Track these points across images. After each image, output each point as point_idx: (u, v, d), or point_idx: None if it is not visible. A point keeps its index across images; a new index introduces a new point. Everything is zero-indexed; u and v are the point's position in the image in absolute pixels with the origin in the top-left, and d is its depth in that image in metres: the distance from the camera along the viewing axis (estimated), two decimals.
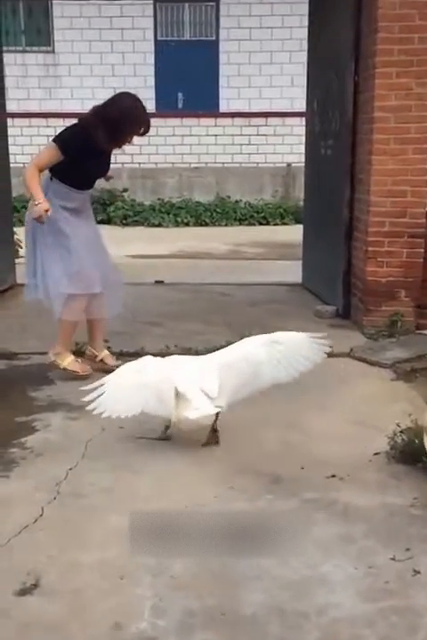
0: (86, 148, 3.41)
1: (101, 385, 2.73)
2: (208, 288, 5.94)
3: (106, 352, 3.84)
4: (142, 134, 3.49)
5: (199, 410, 2.73)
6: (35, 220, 3.38)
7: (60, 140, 3.44)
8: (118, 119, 3.37)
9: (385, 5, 4.11)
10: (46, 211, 3.30)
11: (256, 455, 2.80)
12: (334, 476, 2.63)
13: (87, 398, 2.71)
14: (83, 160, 3.43)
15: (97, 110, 3.44)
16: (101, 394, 2.70)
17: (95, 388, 2.73)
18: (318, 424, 3.16)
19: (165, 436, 2.89)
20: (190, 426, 2.76)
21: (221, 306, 5.31)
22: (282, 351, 2.85)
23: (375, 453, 2.79)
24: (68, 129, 3.53)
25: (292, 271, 6.96)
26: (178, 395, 2.75)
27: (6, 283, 5.77)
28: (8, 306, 5.36)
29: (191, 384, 2.79)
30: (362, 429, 3.09)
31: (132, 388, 2.74)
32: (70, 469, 2.64)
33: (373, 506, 2.41)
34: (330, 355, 4.10)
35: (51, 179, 3.51)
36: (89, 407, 2.70)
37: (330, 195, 5.05)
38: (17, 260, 6.08)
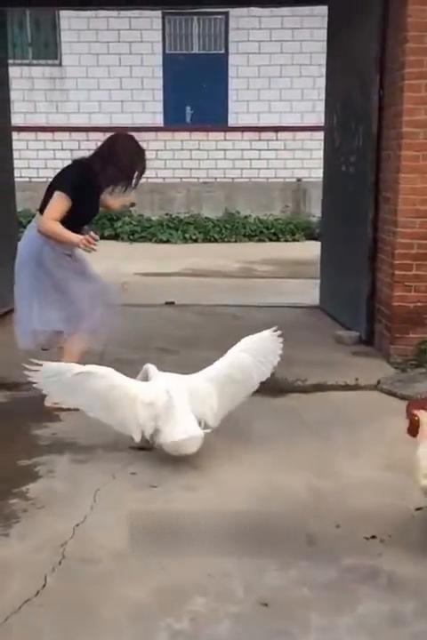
0: (86, 190, 3.39)
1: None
2: (221, 310, 5.67)
3: None
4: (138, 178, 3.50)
5: (187, 432, 2.71)
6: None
7: (67, 186, 3.34)
8: (129, 161, 3.37)
9: (415, 14, 3.85)
10: (88, 238, 3.23)
11: (284, 507, 2.51)
12: (374, 536, 2.33)
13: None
14: (82, 202, 3.37)
15: (101, 153, 3.41)
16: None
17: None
18: (350, 469, 2.86)
19: (147, 445, 2.86)
20: (176, 448, 2.74)
21: (235, 331, 4.98)
22: (258, 350, 3.04)
23: (417, 508, 2.50)
24: (69, 171, 3.47)
25: (307, 291, 6.70)
26: (165, 414, 2.75)
27: (9, 305, 5.44)
28: (10, 330, 5.09)
29: (180, 405, 2.78)
30: (398, 477, 2.77)
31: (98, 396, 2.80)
32: (77, 526, 2.36)
33: (422, 577, 2.11)
34: (355, 387, 3.89)
35: None
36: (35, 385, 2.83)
37: (351, 213, 4.78)
38: None
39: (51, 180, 3.52)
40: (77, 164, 3.48)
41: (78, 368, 2.79)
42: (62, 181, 3.39)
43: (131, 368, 3.92)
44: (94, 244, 3.24)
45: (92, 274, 3.66)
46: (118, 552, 2.21)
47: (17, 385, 3.72)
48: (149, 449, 2.91)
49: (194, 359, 4.20)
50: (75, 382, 2.78)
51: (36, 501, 2.53)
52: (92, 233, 3.25)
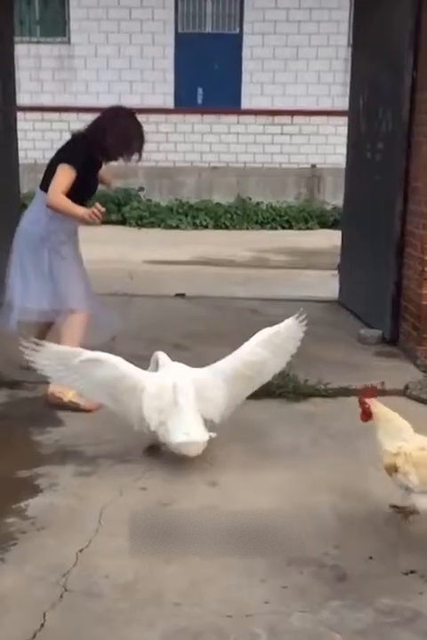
0: (89, 164, 3.36)
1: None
2: (235, 303, 5.39)
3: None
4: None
5: (189, 436, 2.55)
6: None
7: (73, 159, 3.27)
8: (132, 134, 3.38)
9: None
10: (93, 211, 3.13)
11: (311, 535, 2.25)
12: (413, 571, 2.08)
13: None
14: (85, 177, 3.31)
15: (100, 126, 3.38)
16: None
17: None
18: (380, 489, 2.58)
19: (153, 449, 2.73)
20: (177, 449, 2.59)
21: (251, 326, 4.65)
22: (279, 343, 2.85)
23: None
24: (73, 145, 3.42)
25: (324, 284, 6.41)
26: (170, 410, 2.62)
27: None
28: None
29: (186, 402, 2.62)
30: None
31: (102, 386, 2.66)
32: (81, 551, 2.11)
33: None
34: (382, 392, 3.61)
35: None
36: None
37: (377, 204, 4.48)
38: None
39: (51, 158, 3.45)
40: (80, 139, 3.42)
41: (87, 354, 2.62)
42: (68, 154, 3.32)
43: (142, 365, 3.69)
44: (99, 216, 3.15)
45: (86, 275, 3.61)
46: (125, 585, 1.97)
47: (17, 383, 3.47)
48: (157, 449, 2.73)
49: (208, 357, 3.91)
50: (81, 368, 2.61)
51: (35, 521, 2.28)
52: (98, 204, 3.16)
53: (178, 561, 2.08)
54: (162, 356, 2.90)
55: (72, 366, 2.61)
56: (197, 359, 3.79)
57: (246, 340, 4.37)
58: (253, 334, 4.60)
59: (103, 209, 3.18)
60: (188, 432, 2.56)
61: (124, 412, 2.66)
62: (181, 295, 5.58)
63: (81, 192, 3.31)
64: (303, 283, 6.59)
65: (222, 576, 2.02)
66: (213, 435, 2.64)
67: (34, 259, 3.36)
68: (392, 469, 2.22)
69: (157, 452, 2.73)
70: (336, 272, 6.94)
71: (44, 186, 3.34)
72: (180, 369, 2.84)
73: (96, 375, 2.61)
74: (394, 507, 2.32)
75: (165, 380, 2.71)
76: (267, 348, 2.79)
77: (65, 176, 3.23)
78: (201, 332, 4.48)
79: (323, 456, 2.81)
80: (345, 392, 3.49)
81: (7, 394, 3.40)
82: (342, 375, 3.74)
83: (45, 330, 3.55)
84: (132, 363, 3.74)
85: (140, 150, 3.45)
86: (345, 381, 3.62)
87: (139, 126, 3.45)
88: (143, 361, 3.71)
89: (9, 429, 3.02)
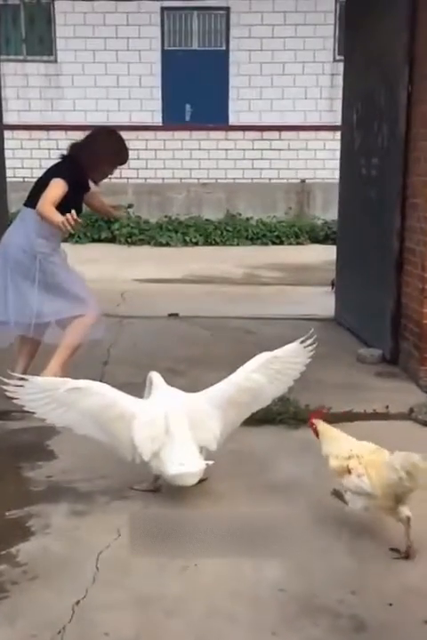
0: (78, 184, 3.47)
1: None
2: (229, 323, 5.27)
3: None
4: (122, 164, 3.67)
5: (184, 466, 2.42)
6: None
7: (64, 174, 3.39)
8: (99, 158, 3.52)
9: None
10: (68, 217, 3.19)
11: (324, 579, 2.11)
12: None
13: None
14: (72, 196, 3.39)
15: (80, 145, 3.56)
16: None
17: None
18: (392, 523, 2.45)
19: (153, 486, 2.57)
20: (172, 481, 2.46)
21: (247, 347, 4.61)
22: (278, 368, 2.70)
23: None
24: (64, 164, 3.53)
25: (318, 301, 6.32)
26: (163, 439, 2.49)
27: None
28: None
29: (180, 431, 2.49)
30: None
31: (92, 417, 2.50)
32: (77, 604, 1.96)
33: None
34: (386, 416, 3.50)
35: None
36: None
37: (373, 220, 4.39)
38: None
39: (39, 177, 3.56)
40: (70, 159, 3.55)
41: (72, 383, 2.49)
42: (60, 171, 3.44)
43: (136, 392, 3.56)
44: (72, 223, 3.18)
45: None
46: None
47: (5, 413, 3.30)
48: (154, 491, 2.58)
49: (205, 382, 3.75)
50: (66, 399, 2.48)
51: (28, 569, 2.12)
52: (73, 212, 3.20)
53: (181, 615, 1.93)
54: (155, 378, 2.78)
55: (57, 397, 2.48)
56: (194, 385, 3.62)
57: (243, 362, 4.28)
58: (251, 356, 4.46)
59: (79, 220, 3.24)
60: (183, 462, 2.43)
61: (115, 444, 2.53)
62: (175, 315, 5.45)
63: (68, 210, 3.31)
64: (297, 300, 6.49)
65: (230, 630, 1.87)
66: (210, 462, 2.51)
67: (22, 273, 3.42)
68: (344, 471, 2.29)
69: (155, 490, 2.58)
70: (330, 288, 6.87)
71: (31, 203, 3.43)
72: (172, 393, 2.72)
73: (83, 405, 2.48)
74: (335, 493, 2.40)
75: (157, 408, 2.58)
76: (264, 374, 2.65)
77: (57, 189, 3.33)
78: (196, 355, 4.35)
79: (328, 488, 2.67)
80: (348, 417, 3.36)
81: None
82: (344, 398, 3.62)
83: (34, 348, 3.61)
84: (125, 390, 3.62)
85: (114, 166, 3.61)
86: (347, 405, 3.50)
87: (115, 143, 3.59)
88: (137, 388, 3.57)
89: None
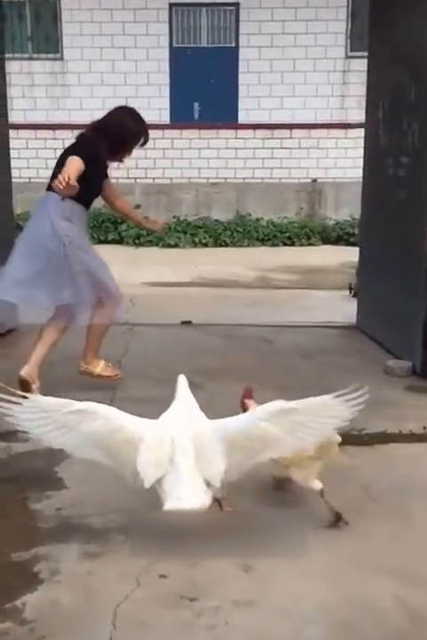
0: (95, 163, 3.40)
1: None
2: (246, 331, 5.01)
3: (102, 363, 3.71)
4: (143, 144, 3.63)
5: (181, 501, 2.18)
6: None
7: (79, 151, 3.34)
8: (120, 133, 3.47)
9: None
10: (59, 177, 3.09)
11: (372, 636, 1.84)
12: None
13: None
14: (92, 175, 3.37)
15: (96, 126, 3.52)
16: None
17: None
18: None
19: None
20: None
21: (266, 358, 4.37)
22: (299, 420, 2.25)
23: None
24: (78, 143, 3.49)
25: (337, 306, 6.06)
26: (166, 465, 2.26)
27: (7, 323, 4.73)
28: (8, 354, 4.44)
29: (185, 459, 2.26)
30: None
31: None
32: None
33: None
34: (423, 437, 3.23)
35: (62, 199, 3.32)
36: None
37: (402, 223, 4.12)
38: None
39: (58, 160, 3.47)
40: (85, 137, 3.50)
41: (76, 405, 2.26)
42: (76, 149, 3.39)
43: (150, 408, 3.32)
44: (63, 183, 3.03)
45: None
46: None
47: (12, 434, 3.03)
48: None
49: (224, 396, 3.54)
50: (69, 421, 2.25)
51: (35, 626, 1.87)
52: (68, 176, 3.07)
53: None
54: (180, 384, 2.54)
55: (58, 419, 2.25)
56: (213, 399, 3.41)
57: (264, 374, 4.03)
58: (270, 367, 4.20)
59: (72, 182, 3.05)
60: (181, 497, 2.19)
61: (117, 466, 2.30)
62: (188, 323, 5.19)
63: (87, 191, 3.34)
64: (313, 305, 6.22)
65: None
66: (220, 495, 2.27)
67: (47, 257, 3.41)
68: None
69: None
70: (348, 293, 6.60)
71: (51, 187, 3.34)
72: (185, 413, 2.45)
73: (87, 428, 2.25)
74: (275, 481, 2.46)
75: (164, 430, 2.34)
76: (278, 425, 2.22)
77: (73, 165, 3.25)
78: (213, 366, 4.08)
79: (371, 525, 2.41)
80: (383, 438, 3.10)
81: (2, 447, 2.99)
82: (375, 416, 3.32)
83: (59, 332, 3.59)
84: (137, 405, 3.39)
85: (138, 138, 3.53)
86: (380, 424, 3.23)
87: (133, 115, 3.56)
88: (150, 403, 3.33)
89: (1, 495, 2.61)
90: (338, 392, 2.25)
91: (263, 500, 2.55)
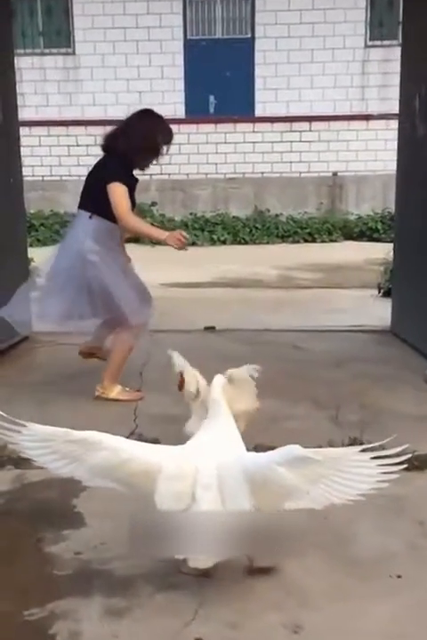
0: (128, 179, 3.36)
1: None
2: (272, 337, 4.71)
3: (118, 389, 3.55)
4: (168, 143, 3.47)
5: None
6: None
7: (116, 175, 3.29)
8: (147, 145, 3.38)
9: None
10: (178, 236, 3.28)
11: None
12: None
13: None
14: (129, 192, 3.34)
15: (121, 134, 3.39)
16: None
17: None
18: None
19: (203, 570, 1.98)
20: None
21: (296, 367, 4.06)
22: (323, 472, 1.91)
23: None
24: (108, 160, 3.41)
25: (366, 307, 5.75)
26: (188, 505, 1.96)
27: (18, 333, 4.37)
28: (21, 366, 4.20)
29: (208, 497, 1.96)
30: None
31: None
32: None
33: None
34: None
35: (90, 217, 3.35)
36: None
37: None
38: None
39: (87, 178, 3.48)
40: (112, 154, 3.40)
41: (74, 435, 1.99)
42: (111, 172, 3.32)
43: (173, 426, 3.04)
44: (183, 242, 3.26)
45: (132, 268, 3.64)
46: None
47: (25, 460, 2.78)
48: (206, 575, 2.00)
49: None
50: (70, 452, 2.00)
51: None
52: (182, 231, 3.33)
53: None
54: (215, 389, 2.27)
55: (59, 450, 2.01)
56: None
57: (295, 386, 3.73)
58: (302, 378, 3.87)
59: (187, 236, 3.31)
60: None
61: (133, 496, 2.04)
62: (211, 328, 4.90)
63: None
64: (341, 306, 5.90)
65: None
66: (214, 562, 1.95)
67: (70, 276, 3.40)
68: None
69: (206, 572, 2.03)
70: (377, 292, 6.28)
71: (83, 206, 3.41)
72: (215, 436, 2.16)
73: (92, 461, 1.99)
74: None
75: (187, 460, 2.04)
76: (298, 474, 1.89)
77: (121, 194, 3.26)
78: None
79: (399, 592, 2.05)
80: None
81: (12, 476, 2.72)
82: (422, 435, 3.03)
83: (97, 346, 3.67)
84: (160, 425, 3.13)
85: (159, 146, 3.41)
86: None
87: (153, 119, 3.45)
88: (174, 421, 3.06)
89: (13, 534, 2.33)
90: (367, 445, 1.91)
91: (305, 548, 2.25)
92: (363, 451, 1.93)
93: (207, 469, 2.01)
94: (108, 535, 2.28)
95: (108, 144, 3.41)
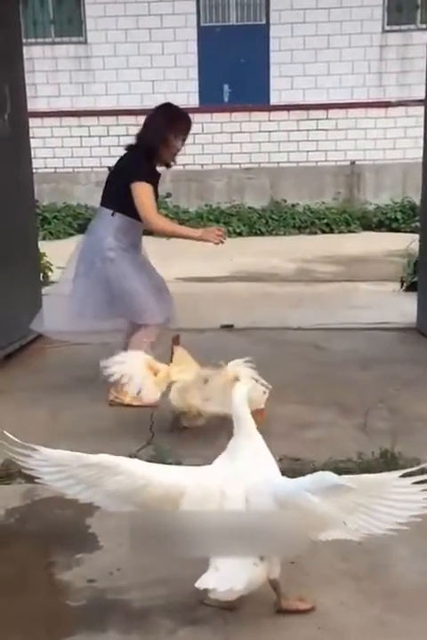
0: (151, 177, 3.30)
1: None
2: (293, 336, 4.52)
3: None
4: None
5: (227, 581, 1.70)
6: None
7: (140, 173, 3.24)
8: (161, 132, 3.31)
9: None
10: (216, 232, 3.34)
11: None
12: None
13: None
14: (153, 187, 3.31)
15: (141, 132, 3.37)
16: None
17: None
18: None
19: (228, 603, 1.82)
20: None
21: (319, 368, 3.87)
22: (358, 501, 1.71)
23: None
24: (131, 157, 3.34)
25: (389, 303, 5.53)
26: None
27: (30, 331, 4.21)
28: (34, 369, 4.05)
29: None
30: None
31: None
32: None
33: None
34: None
35: (112, 214, 3.30)
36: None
37: None
38: (45, 290, 4.70)
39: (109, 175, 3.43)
40: (134, 150, 3.36)
41: (87, 459, 1.85)
42: (134, 170, 3.26)
43: (188, 440, 2.88)
44: (222, 237, 3.31)
45: (150, 266, 3.58)
46: None
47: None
48: (230, 608, 1.85)
49: (277, 418, 3.09)
50: (86, 477, 1.86)
51: None
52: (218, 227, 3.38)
53: None
54: (238, 407, 1.99)
55: (74, 475, 1.87)
56: (267, 428, 2.92)
57: (318, 389, 3.53)
58: (326, 379, 3.68)
59: (224, 229, 3.32)
60: (226, 577, 1.72)
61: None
62: (229, 327, 4.72)
63: None
64: (363, 302, 5.69)
65: None
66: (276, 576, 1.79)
67: (89, 274, 3.36)
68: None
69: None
70: (399, 286, 6.05)
71: (105, 203, 3.36)
72: (243, 456, 1.96)
73: (109, 486, 1.84)
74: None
75: (212, 482, 1.88)
76: (331, 502, 1.69)
77: (146, 194, 3.21)
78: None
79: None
80: None
81: (23, 491, 2.56)
82: None
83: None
84: (175, 436, 2.96)
85: (177, 138, 3.34)
86: None
87: (169, 111, 3.37)
88: (191, 433, 2.89)
89: (22, 558, 2.18)
90: (409, 470, 1.71)
91: (337, 578, 2.07)
92: (403, 476, 1.75)
93: (234, 494, 1.84)
94: (123, 560, 2.11)
95: (137, 137, 3.39)
